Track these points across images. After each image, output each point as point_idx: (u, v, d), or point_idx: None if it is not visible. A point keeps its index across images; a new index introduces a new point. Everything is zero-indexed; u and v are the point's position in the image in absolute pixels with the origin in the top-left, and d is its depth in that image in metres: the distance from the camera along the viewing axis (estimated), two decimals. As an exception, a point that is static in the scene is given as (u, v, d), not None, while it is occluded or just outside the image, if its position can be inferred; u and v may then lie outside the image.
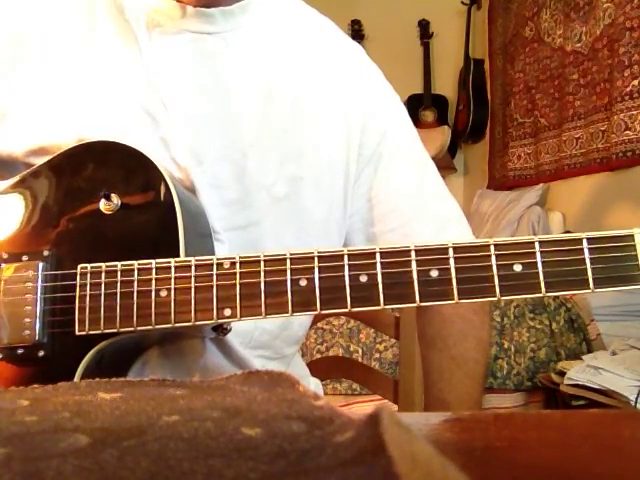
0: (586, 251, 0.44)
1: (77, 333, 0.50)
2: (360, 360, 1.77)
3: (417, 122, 3.58)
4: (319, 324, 1.81)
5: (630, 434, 0.32)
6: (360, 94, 0.70)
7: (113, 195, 0.53)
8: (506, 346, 1.85)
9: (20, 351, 0.52)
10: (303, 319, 0.71)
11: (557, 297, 1.90)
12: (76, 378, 0.50)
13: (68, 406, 0.28)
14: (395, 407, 0.95)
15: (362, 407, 1.73)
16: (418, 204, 0.71)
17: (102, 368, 0.52)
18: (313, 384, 0.83)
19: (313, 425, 0.25)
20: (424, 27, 3.75)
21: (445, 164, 3.54)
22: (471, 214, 3.17)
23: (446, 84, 3.77)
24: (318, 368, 0.98)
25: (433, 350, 0.73)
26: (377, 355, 1.84)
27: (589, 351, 1.82)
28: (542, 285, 0.45)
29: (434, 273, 0.46)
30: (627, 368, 1.45)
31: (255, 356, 0.65)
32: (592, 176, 2.45)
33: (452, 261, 0.46)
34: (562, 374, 1.58)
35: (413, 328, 0.91)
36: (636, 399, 1.34)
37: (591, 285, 0.44)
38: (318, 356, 1.79)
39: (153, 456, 0.21)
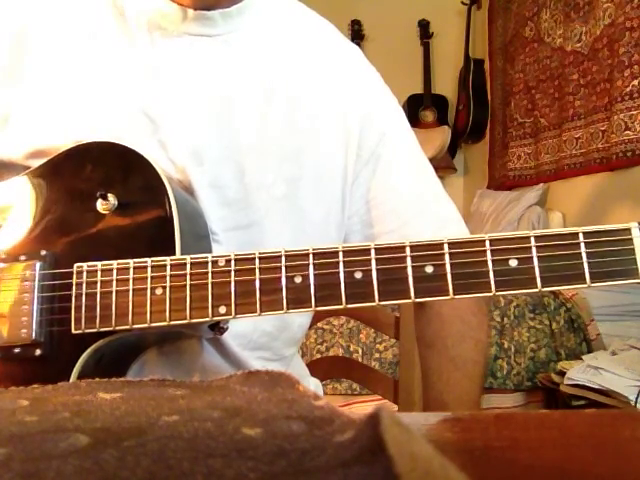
0: (582, 245, 0.44)
1: (73, 331, 0.50)
2: (360, 360, 1.77)
3: (417, 122, 3.58)
4: (319, 324, 1.81)
5: (630, 434, 0.32)
6: (358, 96, 0.70)
7: (110, 195, 0.53)
8: (506, 346, 1.85)
9: (17, 350, 0.52)
10: (302, 320, 0.71)
11: (557, 297, 1.90)
12: (73, 377, 0.50)
13: (68, 406, 0.28)
14: (395, 407, 0.95)
15: (362, 407, 1.73)
16: (417, 205, 0.71)
17: (101, 368, 0.52)
18: (313, 384, 0.83)
19: (313, 425, 0.25)
20: (424, 27, 3.75)
21: (445, 164, 3.54)
22: (471, 214, 3.17)
23: (446, 84, 3.77)
24: (318, 368, 0.98)
25: (432, 351, 0.73)
26: (377, 355, 1.84)
27: (589, 351, 1.82)
28: (538, 280, 0.44)
29: (429, 269, 0.46)
30: (627, 368, 1.45)
31: (254, 357, 0.65)
32: (592, 176, 2.45)
33: (447, 257, 0.46)
34: (562, 374, 1.58)
35: (413, 328, 0.91)
36: (636, 399, 1.34)
37: (587, 280, 0.44)
38: (318, 356, 1.78)
39: (153, 456, 0.21)
